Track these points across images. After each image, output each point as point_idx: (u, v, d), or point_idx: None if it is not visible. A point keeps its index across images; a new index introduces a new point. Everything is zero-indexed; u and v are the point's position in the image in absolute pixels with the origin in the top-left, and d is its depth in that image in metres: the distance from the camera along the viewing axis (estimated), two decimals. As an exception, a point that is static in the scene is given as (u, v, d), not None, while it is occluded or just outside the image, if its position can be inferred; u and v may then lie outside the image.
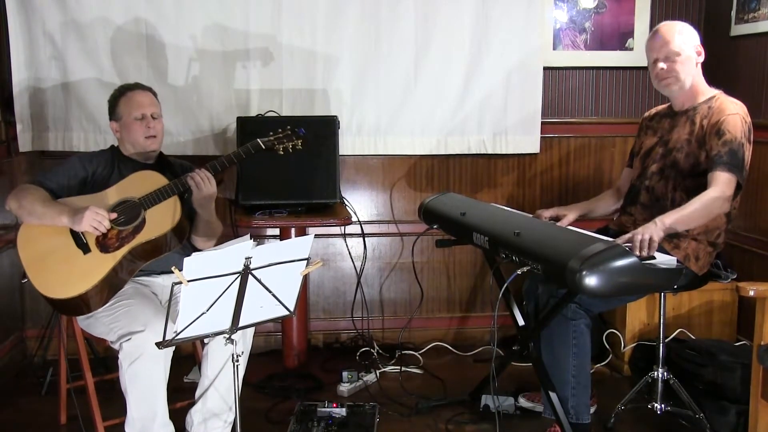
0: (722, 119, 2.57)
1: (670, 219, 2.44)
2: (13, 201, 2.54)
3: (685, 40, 2.66)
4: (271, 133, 2.72)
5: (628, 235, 2.36)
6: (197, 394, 2.62)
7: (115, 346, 2.44)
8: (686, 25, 2.71)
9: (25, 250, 2.53)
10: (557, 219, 2.78)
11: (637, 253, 2.24)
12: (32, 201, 2.51)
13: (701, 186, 2.60)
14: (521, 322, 2.85)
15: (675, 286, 2.39)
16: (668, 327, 3.30)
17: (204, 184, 2.60)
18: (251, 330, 2.60)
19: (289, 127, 2.75)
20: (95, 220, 2.44)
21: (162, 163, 2.82)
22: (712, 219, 2.57)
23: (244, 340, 2.57)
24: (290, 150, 2.73)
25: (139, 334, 2.37)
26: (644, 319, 3.39)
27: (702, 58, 2.69)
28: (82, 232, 2.50)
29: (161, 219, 2.55)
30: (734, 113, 2.58)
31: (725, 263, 2.75)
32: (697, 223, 2.54)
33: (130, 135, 2.71)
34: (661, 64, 2.67)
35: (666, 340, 2.83)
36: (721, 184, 2.51)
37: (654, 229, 2.36)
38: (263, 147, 2.69)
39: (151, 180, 2.61)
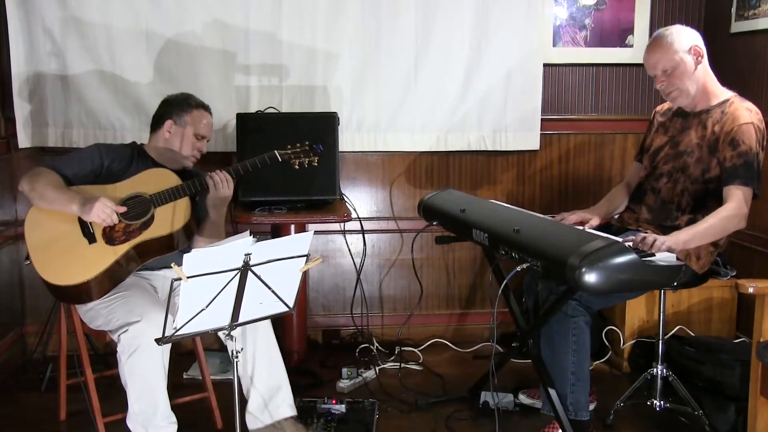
0: (736, 128, 2.53)
1: (685, 236, 2.41)
2: (26, 183, 2.55)
3: (676, 48, 2.61)
4: (289, 147, 2.75)
5: (641, 235, 2.36)
6: (244, 387, 2.59)
7: (114, 338, 2.45)
8: (677, 30, 2.65)
9: (32, 234, 2.54)
10: (582, 224, 2.71)
11: (638, 247, 2.25)
12: (45, 185, 2.52)
13: (709, 192, 2.59)
14: (520, 319, 2.85)
15: (675, 284, 2.39)
16: (668, 324, 3.31)
17: (222, 185, 2.63)
18: (267, 322, 2.57)
19: (307, 142, 2.78)
20: (104, 212, 2.44)
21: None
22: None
23: (256, 334, 2.56)
24: (306, 166, 2.76)
25: (135, 325, 2.37)
26: (644, 316, 3.40)
27: (703, 58, 2.64)
28: (89, 222, 2.50)
29: (170, 218, 2.55)
30: (748, 122, 2.53)
31: (725, 260, 2.74)
32: (712, 239, 2.52)
33: (181, 145, 2.77)
34: (660, 84, 2.66)
35: (665, 337, 2.84)
36: (738, 200, 2.48)
37: (669, 241, 2.35)
38: (279, 159, 2.72)
39: (165, 178, 2.62)
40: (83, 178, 2.63)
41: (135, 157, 2.76)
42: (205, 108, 2.86)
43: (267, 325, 2.60)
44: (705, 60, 2.66)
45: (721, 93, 2.68)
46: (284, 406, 2.62)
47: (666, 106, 2.90)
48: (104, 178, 2.66)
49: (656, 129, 2.88)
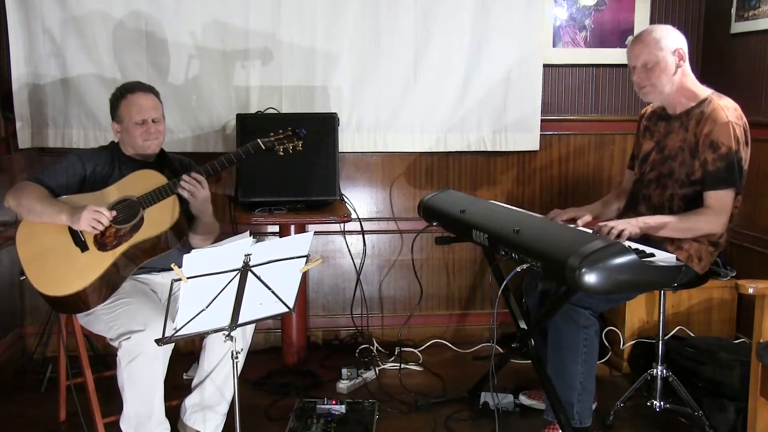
0: (714, 129, 2.54)
1: (653, 221, 2.50)
2: (11, 198, 2.54)
3: (662, 46, 2.61)
4: (272, 134, 2.71)
5: (602, 223, 2.44)
6: (194, 384, 2.64)
7: (114, 344, 2.45)
8: (666, 29, 2.65)
9: (24, 248, 2.53)
10: (574, 220, 2.73)
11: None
12: (31, 199, 2.51)
13: (698, 194, 2.61)
14: (520, 319, 2.84)
15: (675, 284, 2.40)
16: (667, 324, 3.30)
17: (197, 189, 2.58)
18: (251, 327, 2.60)
19: (290, 128, 2.74)
20: (93, 219, 2.44)
21: (161, 160, 2.81)
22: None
23: (244, 337, 2.58)
24: (290, 151, 2.72)
25: (139, 333, 2.37)
26: (643, 317, 3.39)
27: (685, 62, 2.64)
28: (80, 231, 2.50)
29: (159, 218, 2.54)
30: (725, 121, 2.54)
31: (724, 261, 2.74)
32: (680, 236, 2.57)
33: (130, 138, 2.70)
34: (636, 76, 2.66)
35: (665, 338, 2.83)
36: (717, 204, 2.54)
37: (631, 225, 2.43)
38: (263, 147, 2.68)
39: (151, 179, 2.60)
40: (68, 188, 2.61)
41: (115, 158, 2.73)
42: (133, 90, 2.69)
43: (247, 343, 2.62)
44: (686, 63, 2.66)
45: (700, 92, 2.68)
46: (212, 424, 2.63)
47: (649, 109, 2.91)
48: (91, 185, 2.65)
49: (643, 134, 2.89)
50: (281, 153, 2.71)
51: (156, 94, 2.76)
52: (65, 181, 2.62)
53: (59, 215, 2.47)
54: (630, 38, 3.70)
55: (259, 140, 2.68)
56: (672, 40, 2.63)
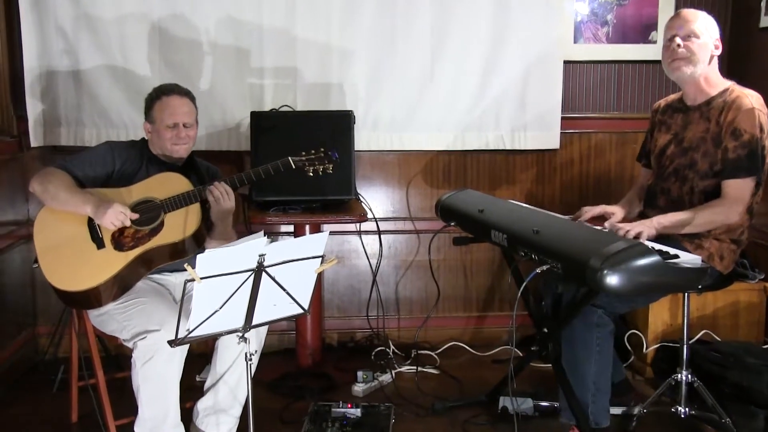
0: (738, 117, 2.52)
1: (667, 221, 2.49)
2: (37, 184, 2.52)
3: (707, 26, 2.62)
4: (303, 153, 2.69)
5: (618, 225, 2.43)
6: (206, 386, 2.62)
7: (129, 344, 2.43)
8: (710, 17, 2.67)
9: (41, 236, 2.52)
10: (604, 217, 2.70)
11: None
12: (58, 186, 2.49)
13: (719, 186, 2.57)
14: (540, 322, 2.79)
15: (699, 286, 2.34)
16: (692, 328, 3.24)
17: (223, 198, 2.57)
18: (264, 328, 2.56)
19: (322, 149, 2.72)
20: (117, 218, 2.42)
21: (189, 164, 2.79)
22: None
23: (258, 338, 2.55)
24: (320, 173, 2.70)
25: (154, 333, 2.35)
26: (667, 320, 3.34)
27: (719, 52, 2.65)
28: (98, 227, 2.49)
29: (180, 225, 2.52)
30: (749, 108, 2.53)
31: (752, 263, 2.68)
32: (698, 230, 2.53)
33: (160, 140, 2.68)
34: (678, 40, 2.61)
35: (690, 342, 2.78)
36: (734, 194, 2.51)
37: (647, 226, 2.42)
38: (293, 167, 2.67)
39: (176, 183, 2.59)
40: (94, 179, 2.60)
41: (144, 156, 2.72)
42: (168, 92, 2.68)
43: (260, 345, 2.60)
44: (717, 54, 2.67)
45: (720, 83, 2.67)
46: (225, 427, 2.60)
47: (663, 102, 2.89)
48: (116, 181, 2.63)
49: (658, 128, 2.86)
50: (310, 174, 2.69)
51: (192, 98, 2.75)
52: (93, 173, 2.61)
53: (84, 206, 2.45)
54: (654, 33, 3.66)
55: (290, 158, 2.67)
56: (715, 28, 2.65)
